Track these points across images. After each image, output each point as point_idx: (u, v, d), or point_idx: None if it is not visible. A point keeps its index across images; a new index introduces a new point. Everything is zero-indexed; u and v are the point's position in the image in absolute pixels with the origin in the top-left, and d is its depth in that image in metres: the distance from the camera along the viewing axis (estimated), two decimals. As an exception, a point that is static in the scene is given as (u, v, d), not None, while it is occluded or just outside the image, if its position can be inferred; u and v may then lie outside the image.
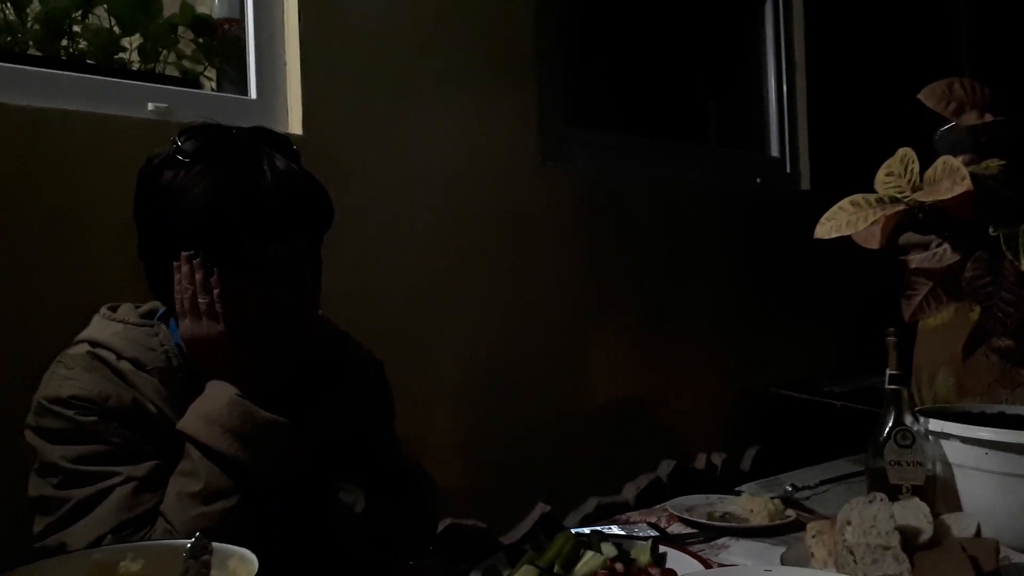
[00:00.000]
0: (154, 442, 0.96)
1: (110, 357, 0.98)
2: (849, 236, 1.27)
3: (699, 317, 2.54)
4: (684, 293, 2.50)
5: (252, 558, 0.64)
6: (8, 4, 1.52)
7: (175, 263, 0.96)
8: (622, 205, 2.35)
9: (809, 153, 2.95)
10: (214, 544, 0.64)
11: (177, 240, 0.96)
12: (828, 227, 1.22)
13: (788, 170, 2.95)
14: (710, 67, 2.93)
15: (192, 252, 0.95)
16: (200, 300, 0.94)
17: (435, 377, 1.92)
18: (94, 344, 0.99)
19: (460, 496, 1.88)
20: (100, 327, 1.02)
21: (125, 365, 0.98)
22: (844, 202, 1.24)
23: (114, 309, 1.05)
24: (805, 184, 2.95)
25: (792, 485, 1.48)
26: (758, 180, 2.86)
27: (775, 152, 2.96)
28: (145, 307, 1.07)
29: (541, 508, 2.04)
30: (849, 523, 0.99)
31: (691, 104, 2.91)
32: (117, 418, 0.94)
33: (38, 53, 1.55)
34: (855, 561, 0.96)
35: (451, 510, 1.85)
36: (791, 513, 1.28)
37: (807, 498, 1.43)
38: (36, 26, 1.55)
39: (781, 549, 1.10)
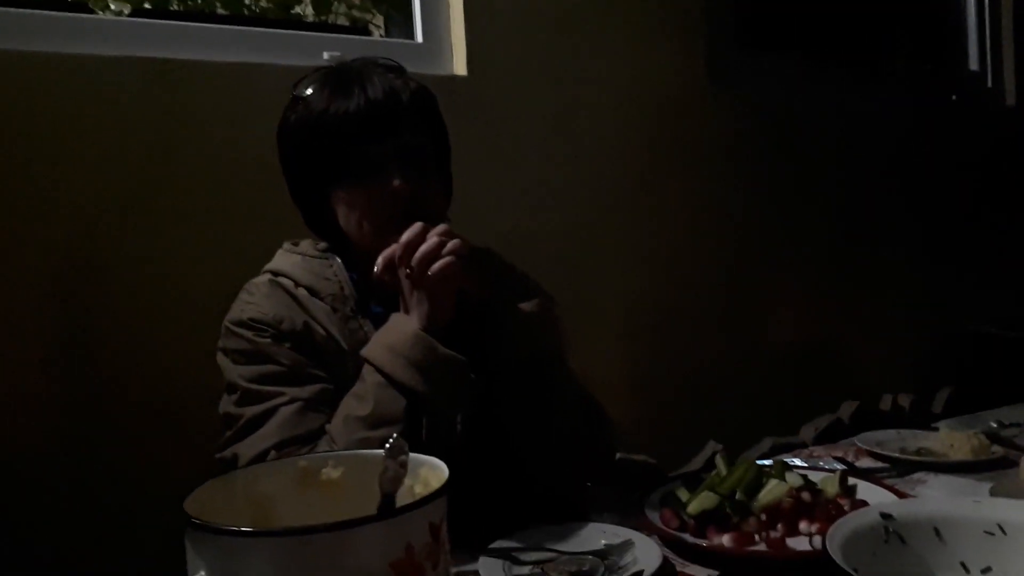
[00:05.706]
0: (322, 365, 1.03)
1: (288, 284, 1.06)
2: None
3: (887, 252, 2.37)
4: (869, 226, 2.34)
5: (442, 466, 0.66)
6: (196, -30, 1.64)
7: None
8: (800, 133, 2.22)
9: (1016, 64, 2.64)
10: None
11: (313, 164, 1.04)
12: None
13: (990, 84, 2.67)
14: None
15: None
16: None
17: (601, 314, 1.91)
18: (275, 273, 1.08)
19: (629, 433, 1.87)
20: (282, 259, 1.11)
21: (301, 292, 1.06)
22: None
23: (296, 244, 1.13)
24: (1010, 99, 2.66)
25: (998, 421, 1.36)
26: (954, 98, 2.60)
27: (974, 65, 2.68)
28: (323, 244, 1.14)
29: (712, 446, 2.00)
30: (1073, 456, 0.90)
31: (875, 17, 2.66)
32: (289, 340, 1.02)
33: (224, 12, 1.65)
34: (1081, 497, 0.86)
35: (621, 446, 1.85)
36: (998, 449, 1.17)
37: (1015, 436, 1.30)
38: (222, -12, 1.66)
39: (987, 485, 1.01)
